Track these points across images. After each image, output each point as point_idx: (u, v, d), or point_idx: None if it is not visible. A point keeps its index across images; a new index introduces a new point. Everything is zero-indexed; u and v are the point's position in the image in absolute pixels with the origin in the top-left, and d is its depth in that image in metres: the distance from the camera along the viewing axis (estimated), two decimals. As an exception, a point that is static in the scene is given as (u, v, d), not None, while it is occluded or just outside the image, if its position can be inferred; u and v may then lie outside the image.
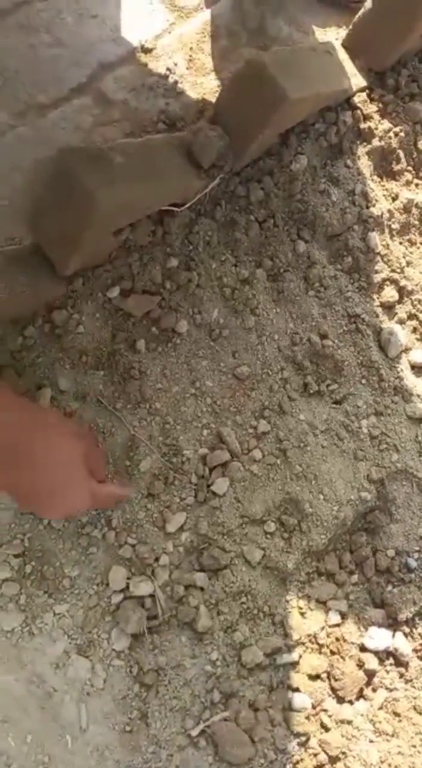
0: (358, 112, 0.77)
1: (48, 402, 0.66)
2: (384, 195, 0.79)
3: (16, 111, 0.71)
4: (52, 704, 0.59)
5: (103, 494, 0.61)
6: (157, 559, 0.66)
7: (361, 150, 0.78)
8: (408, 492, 0.75)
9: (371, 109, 0.78)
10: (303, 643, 0.69)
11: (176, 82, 0.76)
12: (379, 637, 0.69)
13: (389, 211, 0.79)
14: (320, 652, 0.69)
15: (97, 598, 0.63)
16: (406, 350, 0.80)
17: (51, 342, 0.67)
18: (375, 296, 0.79)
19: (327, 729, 0.66)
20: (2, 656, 0.59)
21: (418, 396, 0.79)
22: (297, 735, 0.65)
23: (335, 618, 0.69)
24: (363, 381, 0.77)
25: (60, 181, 0.60)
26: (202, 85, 0.76)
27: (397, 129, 0.79)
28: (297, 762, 0.65)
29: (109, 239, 0.66)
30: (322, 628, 0.69)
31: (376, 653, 0.69)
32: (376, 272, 0.78)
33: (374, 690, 0.68)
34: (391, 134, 0.79)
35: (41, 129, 0.71)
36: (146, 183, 0.64)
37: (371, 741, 0.66)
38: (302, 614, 0.70)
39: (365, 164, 0.78)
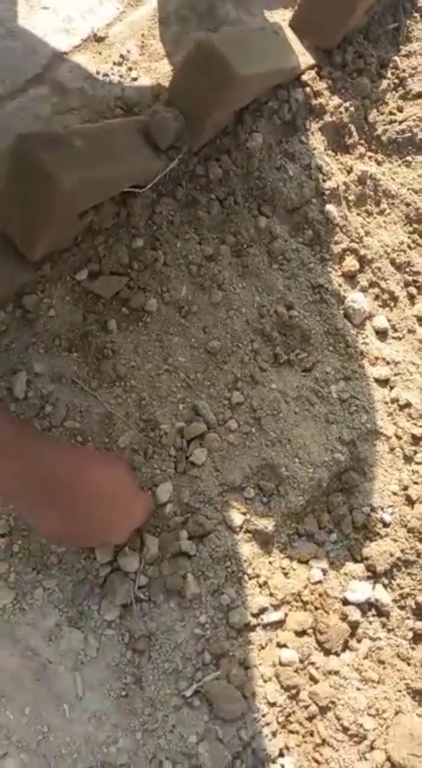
0: (309, 89, 0.80)
1: (24, 386, 0.67)
2: (339, 168, 0.82)
3: (-27, 103, 0.72)
4: (47, 676, 0.61)
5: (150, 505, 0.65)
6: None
7: (314, 126, 0.81)
8: (379, 450, 0.78)
9: (321, 86, 0.81)
10: (289, 602, 0.71)
11: (130, 69, 0.77)
12: (360, 590, 0.72)
13: (345, 183, 0.82)
14: (305, 609, 0.71)
15: (85, 572, 0.65)
16: (370, 317, 0.83)
17: (23, 327, 0.69)
18: (336, 266, 0.82)
19: (315, 681, 0.69)
20: (-5, 634, 0.60)
21: (383, 359, 0.82)
22: (288, 688, 0.67)
23: (317, 575, 0.72)
24: (331, 348, 0.80)
25: (20, 167, 0.61)
26: (156, 70, 0.78)
27: (347, 104, 0.82)
28: (289, 714, 0.67)
29: (73, 222, 0.67)
30: (305, 586, 0.72)
31: (358, 605, 0.71)
32: (336, 243, 0.81)
33: (358, 641, 0.71)
34: (342, 109, 0.82)
35: (0, 119, 0.72)
36: (107, 165, 0.66)
37: (358, 689, 0.69)
38: (285, 574, 0.72)
39: (319, 139, 0.81)
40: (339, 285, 0.82)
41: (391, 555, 0.73)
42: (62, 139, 0.63)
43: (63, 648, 0.62)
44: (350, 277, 0.82)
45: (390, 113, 0.88)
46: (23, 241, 0.66)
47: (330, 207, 0.80)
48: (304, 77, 0.81)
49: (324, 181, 0.80)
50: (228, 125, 0.76)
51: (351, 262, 0.82)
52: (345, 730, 0.67)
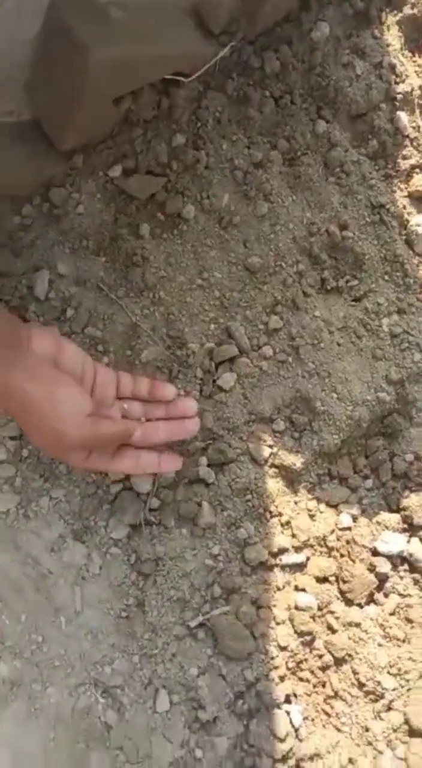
0: (389, -26, 0.69)
1: (46, 286, 0.63)
2: (415, 71, 0.72)
3: (14, -21, 0.67)
4: (46, 586, 0.58)
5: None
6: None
7: (391, 19, 0.71)
8: (430, 393, 0.70)
9: (404, -28, 0.70)
10: (312, 546, 0.66)
11: None
12: (393, 542, 0.65)
13: (420, 88, 0.71)
14: (329, 555, 0.66)
15: (96, 486, 0.61)
16: (435, 246, 0.74)
17: (50, 223, 0.64)
18: (402, 185, 0.72)
19: (333, 630, 0.63)
20: (-2, 537, 0.58)
21: (446, 294, 0.73)
22: (302, 634, 0.62)
23: (347, 521, 0.66)
24: (386, 277, 0.72)
25: (50, 40, 0.55)
26: None
27: (433, -4, 0.71)
28: (301, 661, 0.62)
29: (108, 109, 0.61)
30: (332, 531, 0.66)
31: (389, 557, 0.65)
32: (404, 158, 0.72)
33: (386, 595, 0.65)
34: (426, 1, 0.71)
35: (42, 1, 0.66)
36: (149, 44, 0.59)
37: (380, 645, 0.63)
38: (311, 516, 0.67)
39: (395, 35, 0.71)
40: (404, 207, 0.72)
41: (436, 506, 0.66)
42: (99, 8, 0.56)
43: (65, 560, 0.59)
44: (417, 199, 0.73)
45: None
46: (53, 127, 0.61)
47: (401, 114, 0.70)
48: (385, -39, 0.70)
49: (396, 83, 0.70)
50: (292, 11, 0.67)
51: (419, 181, 0.72)
52: (360, 685, 0.62)
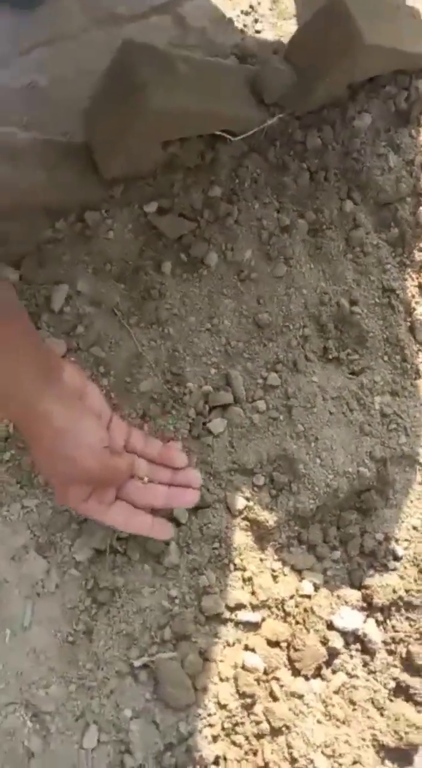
0: (434, 84, 0.75)
1: (63, 300, 0.65)
2: (444, 175, 0.77)
3: (94, 16, 0.71)
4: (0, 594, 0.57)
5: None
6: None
7: (430, 124, 0.76)
8: (410, 479, 0.71)
9: (447, 85, 0.76)
10: (269, 607, 0.65)
11: (256, 20, 0.75)
12: (350, 619, 0.65)
13: (446, 191, 0.76)
14: (285, 620, 0.65)
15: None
16: (436, 338, 0.77)
17: (79, 242, 0.66)
18: (414, 275, 0.76)
19: (275, 698, 0.62)
20: (-39, 535, 0.57)
21: (440, 386, 0.75)
22: (244, 695, 0.61)
23: (308, 589, 0.66)
24: (385, 358, 0.74)
25: (117, 74, 0.59)
26: (281, 28, 0.75)
27: None
28: (237, 724, 0.61)
29: (156, 148, 0.64)
30: (292, 596, 0.65)
31: (343, 634, 0.64)
32: (420, 250, 0.75)
33: (333, 672, 0.64)
34: (464, 115, 0.76)
35: (115, 37, 0.70)
36: (205, 99, 0.63)
37: (319, 722, 0.62)
38: (274, 577, 0.66)
39: (430, 139, 0.76)
40: (412, 295, 0.76)
41: (394, 592, 0.66)
42: (167, 58, 0.60)
43: (24, 572, 0.58)
44: (426, 291, 0.76)
45: None
46: (101, 155, 0.64)
47: (424, 211, 0.74)
48: (431, 72, 0.76)
49: (425, 182, 0.75)
50: (340, 98, 0.72)
51: (431, 276, 0.76)
52: (293, 761, 0.60)
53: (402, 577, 0.67)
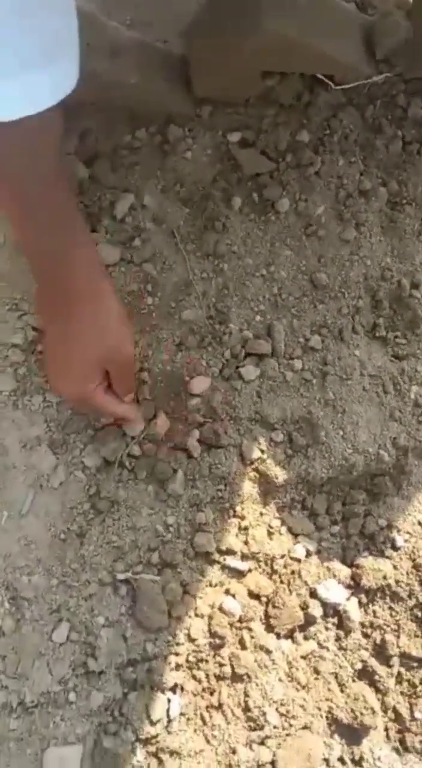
0: None
1: (126, 210, 0.64)
2: None
3: None
4: (5, 477, 0.58)
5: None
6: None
7: None
8: (428, 473, 0.69)
9: None
10: (259, 560, 0.65)
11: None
12: (335, 592, 0.65)
13: None
14: (270, 577, 0.65)
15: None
16: None
17: (155, 155, 0.65)
18: None
19: (244, 647, 0.62)
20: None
21: None
22: (214, 635, 0.62)
23: (300, 552, 0.65)
24: (434, 349, 0.72)
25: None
26: (412, -16, 0.71)
27: None
28: (202, 660, 0.62)
29: (255, 77, 0.62)
30: (283, 556, 0.65)
31: (324, 604, 0.64)
32: None
33: (305, 638, 0.64)
34: None
35: None
36: (318, 36, 0.60)
37: (280, 680, 0.62)
38: (270, 533, 0.66)
39: None
40: None
41: (384, 578, 0.65)
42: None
43: (32, 461, 0.59)
44: None
45: None
46: (197, 72, 0.62)
47: None
48: None
49: None
50: (455, 71, 0.68)
51: None
52: (246, 709, 0.61)
53: (395, 567, 0.66)
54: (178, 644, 0.61)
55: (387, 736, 0.64)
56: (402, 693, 0.65)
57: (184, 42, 0.63)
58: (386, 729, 0.64)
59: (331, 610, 0.65)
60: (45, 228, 0.48)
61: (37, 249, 0.50)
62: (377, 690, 0.64)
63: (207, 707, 0.62)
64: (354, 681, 0.64)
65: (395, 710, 0.64)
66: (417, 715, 0.64)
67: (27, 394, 0.60)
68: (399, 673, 0.65)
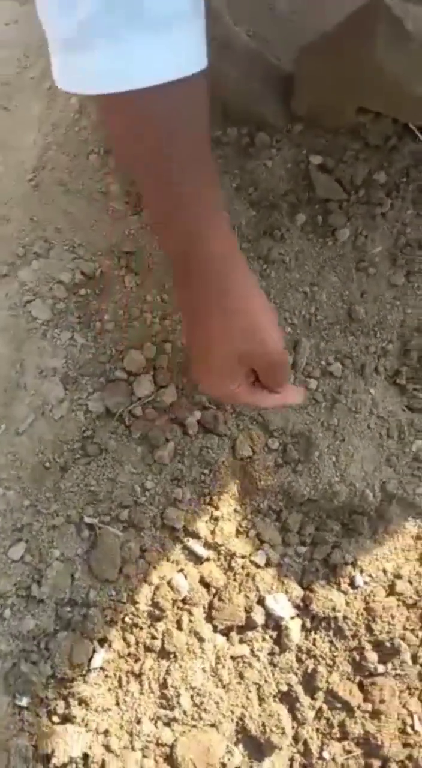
0: None
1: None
2: None
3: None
4: (13, 393, 0.62)
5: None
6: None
7: None
8: (406, 527, 0.69)
9: None
10: (220, 552, 0.67)
11: None
12: (282, 607, 0.65)
13: None
14: (225, 573, 0.66)
15: (108, 358, 0.65)
16: None
17: (239, 154, 0.69)
18: None
19: (180, 627, 0.64)
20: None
21: None
22: (156, 606, 0.63)
23: (260, 559, 0.66)
24: (447, 413, 0.72)
25: (353, 27, 0.61)
26: None
27: None
28: (136, 626, 0.63)
29: (351, 110, 0.66)
30: (243, 557, 0.67)
31: (268, 615, 0.65)
32: None
33: (241, 641, 0.65)
34: None
35: None
36: (419, 85, 0.63)
37: (204, 670, 0.63)
38: (238, 531, 0.68)
39: None
40: None
41: (334, 610, 0.65)
42: (411, 38, 0.61)
43: (42, 389, 0.63)
44: None
45: None
46: (301, 89, 0.66)
47: None
48: None
49: None
50: None
51: None
52: (163, 686, 0.62)
53: (348, 603, 0.66)
54: (119, 602, 0.63)
55: (290, 766, 0.64)
56: (317, 729, 0.64)
57: (294, 62, 0.68)
58: (291, 759, 0.64)
59: (273, 623, 0.65)
60: (185, 205, 0.44)
61: (174, 230, 0.46)
62: (294, 717, 0.64)
63: (127, 672, 0.63)
64: (274, 700, 0.64)
65: (305, 744, 0.64)
66: (325, 755, 0.64)
67: (58, 328, 0.64)
68: (320, 709, 0.65)
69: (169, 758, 0.61)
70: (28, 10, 0.71)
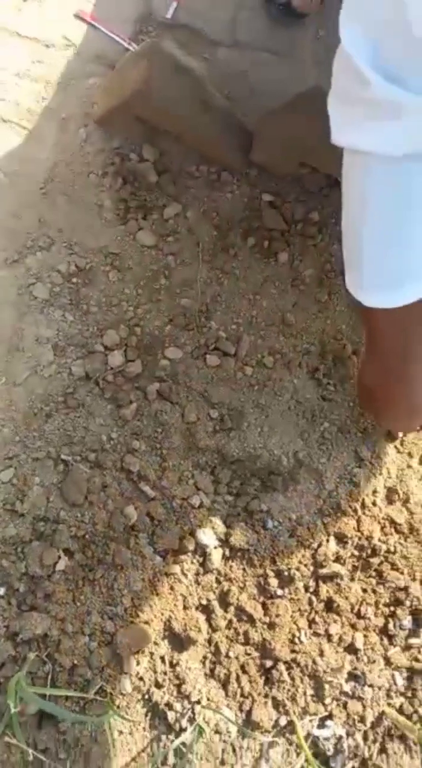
0: None
1: (172, 214, 0.87)
2: None
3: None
4: (14, 354, 0.80)
5: None
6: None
7: None
8: (310, 488, 0.89)
9: None
10: (164, 494, 0.85)
11: None
12: (208, 538, 0.84)
13: None
14: (167, 510, 0.85)
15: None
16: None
17: (207, 186, 0.89)
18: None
19: (128, 546, 0.82)
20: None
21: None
22: (110, 527, 0.82)
23: (195, 501, 0.85)
24: (351, 403, 0.93)
25: (309, 98, 0.81)
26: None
27: None
28: (93, 542, 0.81)
29: (294, 164, 0.86)
30: (183, 499, 0.85)
31: (198, 544, 0.83)
32: None
33: (175, 562, 0.83)
34: None
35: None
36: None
37: (143, 580, 0.82)
38: (180, 479, 0.86)
39: None
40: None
41: (248, 544, 0.85)
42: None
43: (37, 353, 0.81)
44: None
45: None
46: (259, 143, 0.86)
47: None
48: None
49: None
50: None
51: None
52: (110, 589, 0.80)
53: (258, 541, 0.86)
54: (82, 522, 0.81)
55: (203, 663, 0.83)
56: (226, 636, 0.83)
57: (257, 123, 0.88)
58: (204, 657, 0.83)
59: (201, 551, 0.84)
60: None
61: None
62: (210, 625, 0.83)
63: (83, 577, 0.81)
64: (195, 610, 0.83)
65: (216, 646, 0.83)
66: (231, 654, 0.83)
67: (53, 307, 0.82)
68: (230, 621, 0.84)
69: (111, 643, 0.79)
70: (52, 52, 0.89)
